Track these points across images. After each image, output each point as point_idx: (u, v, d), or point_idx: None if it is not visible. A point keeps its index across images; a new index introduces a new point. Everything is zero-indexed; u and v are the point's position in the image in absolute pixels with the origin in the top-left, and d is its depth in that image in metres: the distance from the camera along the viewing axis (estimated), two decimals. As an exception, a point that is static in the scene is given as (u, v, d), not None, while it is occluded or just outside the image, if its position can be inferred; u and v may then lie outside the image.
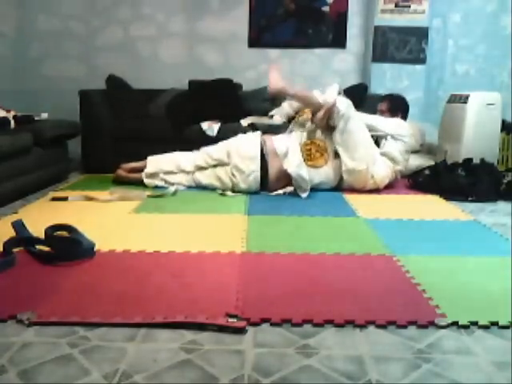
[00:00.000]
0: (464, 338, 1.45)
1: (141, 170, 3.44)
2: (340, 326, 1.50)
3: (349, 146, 3.24)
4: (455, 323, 1.52)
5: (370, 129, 3.39)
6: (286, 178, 3.20)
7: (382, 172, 3.34)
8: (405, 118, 3.75)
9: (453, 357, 1.35)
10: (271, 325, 1.50)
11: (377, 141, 3.44)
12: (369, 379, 1.24)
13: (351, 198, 3.18)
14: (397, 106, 3.75)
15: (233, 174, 3.24)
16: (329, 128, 3.30)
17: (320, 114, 3.24)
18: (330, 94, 3.29)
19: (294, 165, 3.17)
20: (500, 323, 1.52)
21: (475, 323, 1.52)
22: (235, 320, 1.50)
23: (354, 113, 3.31)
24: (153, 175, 3.40)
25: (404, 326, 1.50)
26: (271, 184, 3.26)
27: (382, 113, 3.72)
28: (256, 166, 3.21)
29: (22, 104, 4.08)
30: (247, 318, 1.52)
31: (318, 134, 3.35)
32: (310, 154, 3.28)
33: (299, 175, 3.15)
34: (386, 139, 3.45)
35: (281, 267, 1.98)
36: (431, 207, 3.05)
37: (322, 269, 1.97)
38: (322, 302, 1.66)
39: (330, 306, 1.63)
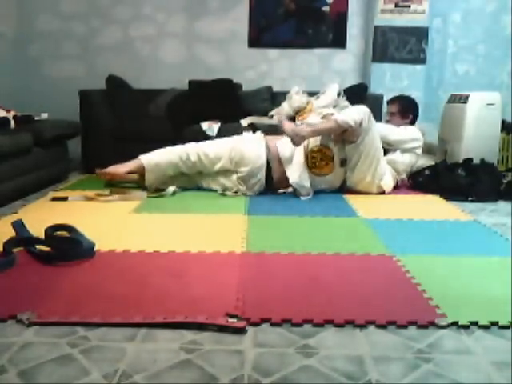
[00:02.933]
0: (464, 337, 1.45)
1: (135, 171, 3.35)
2: (340, 326, 1.50)
3: (360, 158, 3.18)
4: (455, 323, 1.52)
5: (385, 142, 3.33)
6: (287, 180, 3.19)
7: (389, 182, 3.33)
8: (415, 119, 3.68)
9: (453, 357, 1.35)
10: (271, 325, 1.50)
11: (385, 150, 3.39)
12: (369, 379, 1.24)
13: (351, 198, 3.18)
14: (407, 108, 3.63)
15: (239, 183, 3.22)
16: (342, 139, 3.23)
17: (345, 135, 3.16)
18: (349, 115, 3.13)
19: (296, 175, 3.14)
20: (500, 323, 1.52)
21: (475, 323, 1.52)
22: (235, 320, 1.50)
23: (373, 124, 3.20)
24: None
25: (404, 326, 1.50)
26: (273, 185, 3.26)
27: (392, 115, 3.62)
28: (262, 174, 3.19)
29: (22, 104, 4.08)
30: (247, 317, 1.52)
31: (330, 141, 3.25)
32: (315, 162, 3.23)
33: (300, 185, 3.14)
34: (394, 151, 3.42)
35: (281, 267, 1.98)
36: (431, 207, 3.05)
37: (322, 269, 1.97)
38: (321, 301, 1.66)
39: (330, 306, 1.63)
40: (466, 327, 1.50)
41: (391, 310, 1.61)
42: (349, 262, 2.06)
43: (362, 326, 1.50)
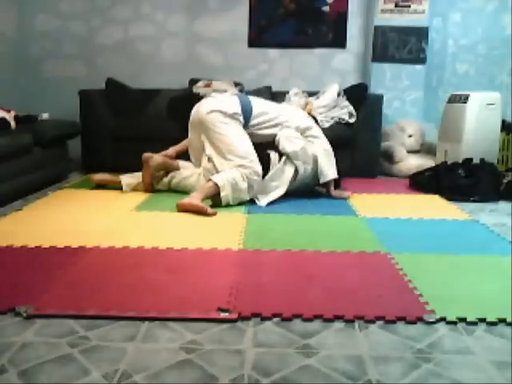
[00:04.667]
0: (464, 337, 1.45)
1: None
2: (329, 320, 1.53)
3: None
4: (443, 319, 1.54)
5: None
6: None
7: None
8: None
9: (453, 356, 1.35)
10: (262, 319, 1.53)
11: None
12: (369, 379, 1.24)
13: (353, 198, 3.19)
14: None
15: None
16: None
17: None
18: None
19: (265, 201, 3.06)
20: (488, 319, 1.54)
21: (463, 319, 1.54)
22: (227, 314, 1.54)
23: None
24: None
25: (392, 322, 1.53)
26: None
27: None
28: None
29: (22, 104, 4.08)
30: (238, 312, 1.55)
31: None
32: None
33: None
34: None
35: (275, 264, 2.00)
36: (431, 207, 3.06)
37: (317, 266, 1.99)
38: (311, 297, 1.69)
39: (320, 301, 1.66)
40: (453, 323, 1.52)
41: (380, 305, 1.63)
42: (343, 259, 2.07)
43: (351, 321, 1.53)
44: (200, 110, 3.11)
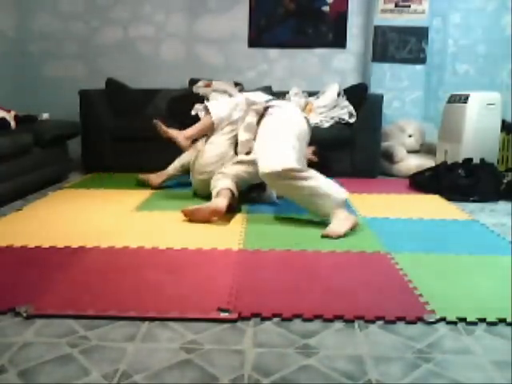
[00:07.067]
0: (464, 337, 1.45)
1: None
2: (329, 320, 1.53)
3: None
4: (443, 319, 1.54)
5: None
6: None
7: None
8: None
9: (453, 356, 1.35)
10: (262, 319, 1.53)
11: None
12: (369, 379, 1.24)
13: (353, 198, 3.18)
14: None
15: None
16: None
17: None
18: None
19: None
20: (488, 319, 1.54)
21: (463, 319, 1.54)
22: (227, 314, 1.54)
23: None
24: None
25: (392, 322, 1.53)
26: None
27: None
28: None
29: (22, 104, 4.08)
30: (239, 312, 1.56)
31: None
32: None
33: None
34: None
35: (275, 264, 2.00)
36: (431, 207, 3.06)
37: (317, 266, 1.98)
38: (312, 297, 1.69)
39: (320, 301, 1.66)
40: (453, 323, 1.53)
41: (380, 305, 1.63)
42: (343, 259, 2.07)
43: (351, 321, 1.53)
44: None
